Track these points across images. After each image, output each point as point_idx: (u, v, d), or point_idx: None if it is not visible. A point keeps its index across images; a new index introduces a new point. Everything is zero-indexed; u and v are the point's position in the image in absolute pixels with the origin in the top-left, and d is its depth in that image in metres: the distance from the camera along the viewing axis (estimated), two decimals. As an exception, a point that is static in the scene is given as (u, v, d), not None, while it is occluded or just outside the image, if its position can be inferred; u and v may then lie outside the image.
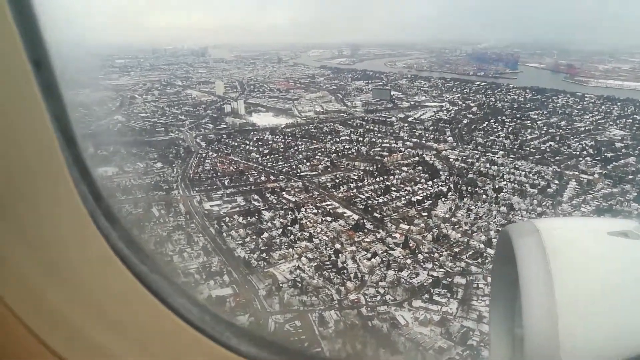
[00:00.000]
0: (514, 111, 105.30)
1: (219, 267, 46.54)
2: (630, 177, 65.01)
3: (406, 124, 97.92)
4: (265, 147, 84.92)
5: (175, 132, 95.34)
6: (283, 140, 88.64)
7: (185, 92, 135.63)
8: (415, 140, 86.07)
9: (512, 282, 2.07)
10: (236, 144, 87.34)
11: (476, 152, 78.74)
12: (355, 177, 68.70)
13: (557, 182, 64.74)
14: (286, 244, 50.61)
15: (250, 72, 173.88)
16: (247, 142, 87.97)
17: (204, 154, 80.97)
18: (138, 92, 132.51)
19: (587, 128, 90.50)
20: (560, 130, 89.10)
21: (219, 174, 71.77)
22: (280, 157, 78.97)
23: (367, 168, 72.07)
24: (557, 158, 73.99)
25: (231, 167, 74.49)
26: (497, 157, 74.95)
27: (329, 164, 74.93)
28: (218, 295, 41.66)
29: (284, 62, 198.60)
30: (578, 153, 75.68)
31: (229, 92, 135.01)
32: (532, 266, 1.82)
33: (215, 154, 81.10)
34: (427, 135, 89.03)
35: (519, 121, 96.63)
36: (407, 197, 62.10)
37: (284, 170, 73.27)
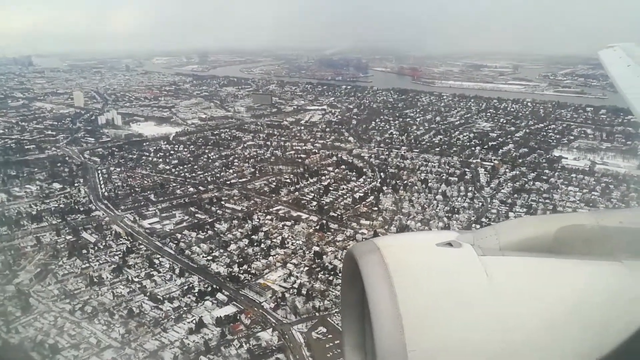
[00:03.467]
0: (391, 110, 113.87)
1: (204, 286, 42.25)
2: (519, 160, 75.31)
3: (302, 127, 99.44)
4: (170, 157, 78.74)
5: (52, 149, 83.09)
6: (186, 149, 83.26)
7: (34, 105, 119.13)
8: (321, 141, 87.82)
9: (360, 298, 2.30)
10: (135, 156, 79.39)
11: (381, 148, 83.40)
12: (289, 180, 67.83)
13: (467, 169, 72.01)
14: (261, 253, 48.04)
15: (100, 81, 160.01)
16: (147, 154, 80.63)
17: (104, 170, 72.09)
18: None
19: (460, 122, 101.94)
20: (440, 125, 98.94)
21: (137, 189, 64.61)
22: (196, 167, 74.12)
23: (294, 170, 71.65)
24: (453, 149, 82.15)
25: (146, 181, 67.65)
26: (404, 152, 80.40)
27: (252, 169, 72.64)
28: (225, 314, 37.96)
29: (132, 70, 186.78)
30: (468, 144, 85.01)
31: (89, 103, 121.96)
32: (377, 282, 2.01)
33: (118, 169, 72.75)
34: (327, 136, 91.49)
35: (400, 119, 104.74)
36: (348, 194, 63.37)
37: (207, 179, 69.00)
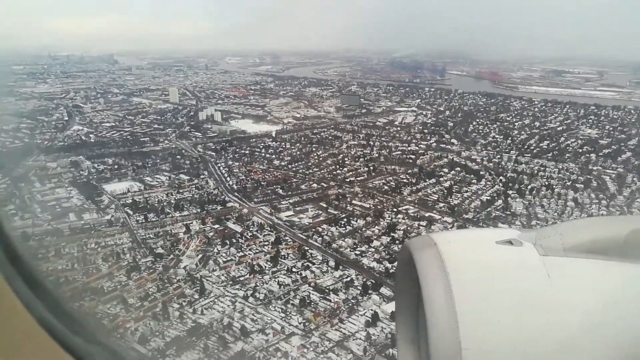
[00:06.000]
0: (485, 114, 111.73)
1: (364, 280, 42.72)
2: (645, 169, 71.89)
3: (398, 128, 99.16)
4: (280, 153, 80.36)
5: (165, 142, 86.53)
6: (293, 147, 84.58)
7: (133, 100, 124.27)
8: (424, 143, 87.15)
9: (415, 292, 2.22)
10: (247, 151, 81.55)
11: (489, 152, 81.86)
12: (406, 180, 67.70)
13: (590, 177, 69.49)
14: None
15: (185, 78, 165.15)
16: (257, 150, 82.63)
17: (222, 164, 74.37)
18: (78, 101, 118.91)
19: (562, 128, 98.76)
20: (541, 131, 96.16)
21: (262, 183, 66.23)
22: (309, 164, 75.21)
23: (408, 171, 71.45)
24: (566, 155, 79.57)
25: (267, 176, 69.22)
26: (515, 157, 78.54)
27: (365, 168, 72.97)
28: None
29: (210, 68, 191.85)
30: (579, 150, 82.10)
31: (182, 100, 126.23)
32: (432, 277, 1.94)
33: (236, 163, 74.86)
34: (428, 138, 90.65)
35: (497, 123, 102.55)
36: (474, 197, 62.57)
37: (325, 176, 69.85)
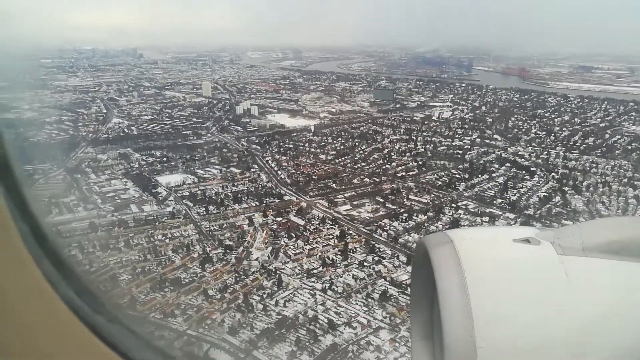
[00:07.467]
0: (522, 110, 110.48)
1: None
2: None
3: (437, 123, 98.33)
4: (324, 148, 79.97)
5: (208, 135, 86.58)
6: (336, 141, 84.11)
7: (165, 93, 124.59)
8: (467, 138, 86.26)
9: (430, 289, 2.22)
10: (291, 146, 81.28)
11: (536, 148, 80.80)
12: (459, 176, 67.02)
13: (646, 174, 68.36)
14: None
15: (212, 73, 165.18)
16: (300, 144, 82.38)
17: (269, 158, 74.17)
18: (112, 94, 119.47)
19: (604, 125, 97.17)
20: (583, 127, 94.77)
21: (313, 177, 65.94)
22: (356, 158, 74.79)
23: (459, 166, 70.75)
24: (616, 152, 78.28)
25: (317, 170, 68.87)
26: (563, 153, 77.44)
27: (414, 163, 72.38)
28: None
29: (235, 63, 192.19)
30: (629, 147, 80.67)
31: (215, 94, 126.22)
32: (448, 274, 1.92)
33: (283, 157, 74.60)
34: (470, 133, 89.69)
35: (537, 119, 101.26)
36: (530, 193, 61.77)
37: (376, 171, 69.35)
